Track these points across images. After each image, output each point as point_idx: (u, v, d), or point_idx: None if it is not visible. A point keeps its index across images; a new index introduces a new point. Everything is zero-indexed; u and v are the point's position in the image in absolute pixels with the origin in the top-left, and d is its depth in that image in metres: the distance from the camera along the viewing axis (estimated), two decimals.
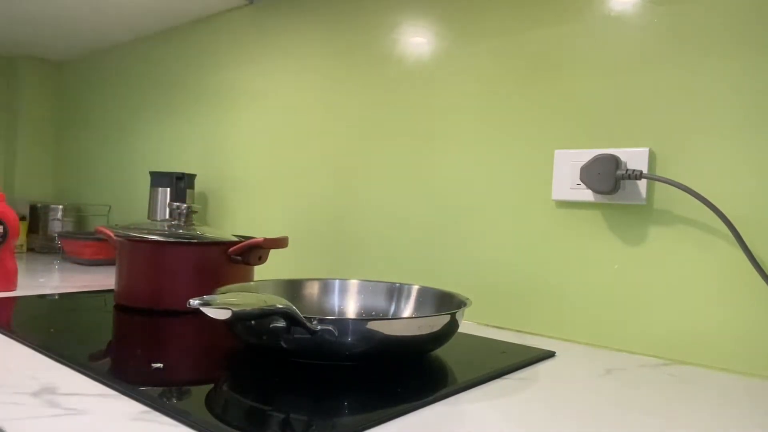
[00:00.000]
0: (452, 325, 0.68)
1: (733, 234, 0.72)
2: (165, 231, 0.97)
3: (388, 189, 1.09)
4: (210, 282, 0.92)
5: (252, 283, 0.88)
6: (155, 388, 0.56)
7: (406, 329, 0.64)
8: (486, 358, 0.73)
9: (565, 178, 0.86)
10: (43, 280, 1.19)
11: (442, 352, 0.73)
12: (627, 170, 0.79)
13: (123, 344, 0.74)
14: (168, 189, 1.41)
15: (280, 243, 0.97)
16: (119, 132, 1.79)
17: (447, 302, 0.78)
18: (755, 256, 0.71)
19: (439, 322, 0.66)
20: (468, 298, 0.74)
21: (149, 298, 0.93)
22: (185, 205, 1.01)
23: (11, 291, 1.04)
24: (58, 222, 1.71)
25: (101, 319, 0.87)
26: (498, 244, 0.94)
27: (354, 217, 1.14)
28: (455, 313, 0.67)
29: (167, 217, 1.29)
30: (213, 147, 1.46)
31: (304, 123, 1.24)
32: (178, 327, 0.84)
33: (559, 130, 0.88)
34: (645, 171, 0.79)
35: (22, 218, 1.71)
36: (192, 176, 1.44)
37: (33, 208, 1.75)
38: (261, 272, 1.05)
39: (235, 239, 0.98)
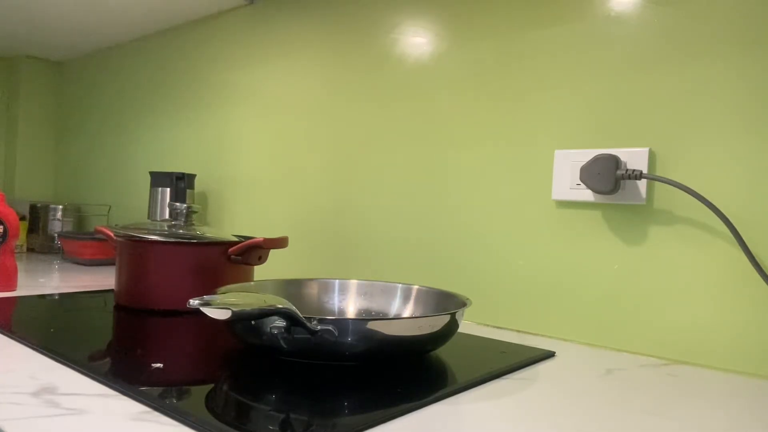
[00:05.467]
0: (452, 325, 0.68)
1: (733, 234, 0.72)
2: (165, 231, 0.97)
3: (388, 189, 1.09)
4: (210, 282, 0.92)
5: (252, 283, 0.88)
6: (155, 388, 0.56)
7: (406, 329, 0.64)
8: (486, 358, 0.73)
9: (565, 178, 0.86)
10: (43, 280, 1.19)
11: (442, 352, 0.73)
12: (627, 170, 0.79)
13: (123, 344, 0.74)
14: (168, 189, 1.41)
15: (280, 243, 0.97)
16: (119, 132, 1.79)
17: (447, 302, 0.78)
18: (755, 256, 0.71)
19: (439, 322, 0.66)
20: (468, 298, 0.74)
21: (149, 298, 0.93)
22: (185, 205, 1.01)
23: (11, 291, 1.04)
24: (58, 222, 1.71)
25: (101, 319, 0.87)
26: (498, 244, 0.94)
27: (354, 217, 1.14)
28: (455, 313, 0.67)
29: (167, 217, 1.29)
30: (213, 147, 1.46)
31: (304, 123, 1.24)
32: (178, 327, 0.84)
33: (559, 130, 0.88)
34: (645, 171, 0.79)
35: (22, 218, 1.71)
36: (192, 176, 1.44)
37: (33, 208, 1.75)
38: (261, 272, 1.05)
39: (235, 239, 0.98)
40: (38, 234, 1.72)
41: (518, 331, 0.91)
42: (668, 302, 0.78)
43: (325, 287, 0.87)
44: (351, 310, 0.85)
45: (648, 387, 0.65)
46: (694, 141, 0.76)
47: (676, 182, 0.76)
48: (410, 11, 1.07)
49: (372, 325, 0.62)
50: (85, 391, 0.55)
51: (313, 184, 1.22)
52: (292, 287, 0.86)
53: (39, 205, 1.75)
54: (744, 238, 0.72)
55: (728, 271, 0.74)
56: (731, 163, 0.74)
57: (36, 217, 1.73)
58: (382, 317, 0.82)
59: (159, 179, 1.43)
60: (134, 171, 1.72)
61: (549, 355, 0.76)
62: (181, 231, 0.97)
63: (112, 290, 1.06)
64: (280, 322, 0.60)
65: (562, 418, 0.54)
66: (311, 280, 0.88)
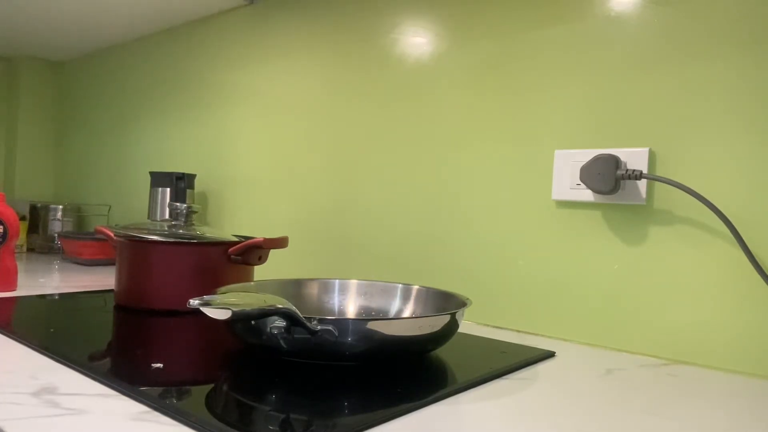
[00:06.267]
0: (452, 325, 0.68)
1: (733, 234, 0.72)
2: (165, 231, 0.97)
3: (388, 189, 1.09)
4: (210, 282, 0.92)
5: (252, 283, 0.88)
6: (155, 388, 0.56)
7: (406, 329, 0.64)
8: (486, 358, 0.73)
9: (565, 178, 0.86)
10: (43, 280, 1.19)
11: (442, 352, 0.73)
12: (627, 170, 0.79)
13: (123, 344, 0.74)
14: (168, 189, 1.41)
15: (280, 243, 0.97)
16: (119, 132, 1.79)
17: (447, 302, 0.78)
18: (755, 256, 0.71)
19: (439, 322, 0.66)
20: (468, 298, 0.74)
21: (149, 298, 0.93)
22: (185, 205, 1.01)
23: (11, 291, 1.04)
24: (58, 222, 1.71)
25: (101, 319, 0.87)
26: (498, 244, 0.94)
27: (354, 217, 1.14)
28: (455, 313, 0.67)
29: (167, 217, 1.29)
30: (213, 147, 1.46)
31: (304, 123, 1.24)
32: (178, 327, 0.84)
33: (560, 130, 0.88)
34: (645, 171, 0.79)
35: (22, 218, 1.71)
36: (192, 176, 1.44)
37: (33, 208, 1.75)
38: (261, 272, 1.05)
39: (235, 239, 0.98)
40: (38, 234, 1.72)
41: (518, 331, 0.91)
42: (668, 302, 0.78)
43: (325, 287, 0.87)
44: (351, 310, 0.85)
45: (648, 387, 0.65)
46: (694, 141, 0.76)
47: (676, 182, 0.76)
48: (410, 11, 1.07)
49: (372, 325, 0.62)
50: (85, 391, 0.55)
51: (313, 184, 1.22)
52: (292, 287, 0.86)
53: (39, 205, 1.75)
54: (744, 238, 0.72)
55: (728, 271, 0.74)
56: (731, 163, 0.74)
57: (36, 217, 1.73)
58: (382, 317, 0.82)
59: (159, 179, 1.43)
60: (134, 171, 1.72)
61: (549, 355, 0.76)
62: (181, 231, 0.97)
63: (112, 290, 1.06)
64: (280, 322, 0.60)
65: (562, 418, 0.54)
66: (311, 280, 0.88)
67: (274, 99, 1.31)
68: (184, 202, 1.32)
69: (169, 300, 0.92)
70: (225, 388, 0.58)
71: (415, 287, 0.84)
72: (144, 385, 0.56)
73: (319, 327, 0.60)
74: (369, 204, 1.12)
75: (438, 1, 1.03)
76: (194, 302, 0.55)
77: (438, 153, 1.02)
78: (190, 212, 1.01)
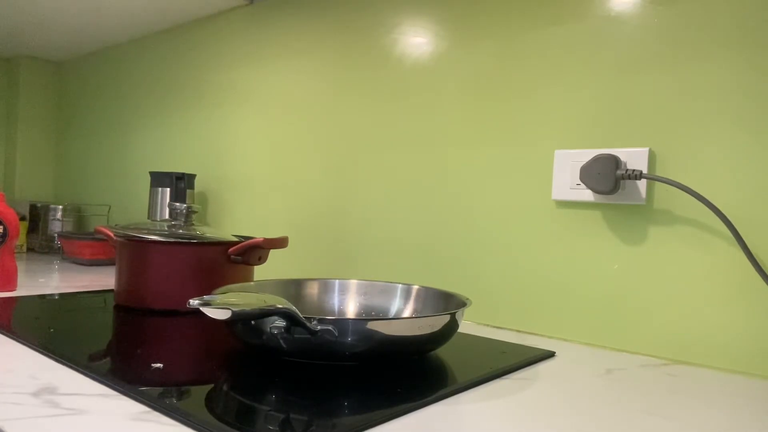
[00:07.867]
0: (452, 325, 0.68)
1: (733, 234, 0.72)
2: (165, 231, 0.97)
3: (388, 189, 1.09)
4: (210, 282, 0.92)
5: (252, 283, 0.88)
6: (155, 388, 0.56)
7: (406, 329, 0.64)
8: (486, 358, 0.73)
9: (565, 178, 0.86)
10: (43, 280, 1.19)
11: (442, 352, 0.73)
12: (627, 170, 0.79)
13: (123, 344, 0.74)
14: (168, 189, 1.41)
15: (280, 243, 0.97)
16: (119, 132, 1.79)
17: (447, 302, 0.78)
18: (755, 256, 0.71)
19: (439, 322, 0.66)
20: (468, 298, 0.74)
21: (149, 298, 0.93)
22: (185, 205, 1.01)
23: (11, 291, 1.04)
24: (58, 222, 1.71)
25: (101, 319, 0.87)
26: (498, 244, 0.94)
27: (354, 217, 1.14)
28: (455, 313, 0.67)
29: (167, 217, 1.29)
30: (213, 147, 1.46)
31: (304, 123, 1.24)
32: (178, 327, 0.84)
33: (559, 130, 0.88)
34: (645, 171, 0.79)
35: (22, 218, 1.71)
36: (192, 176, 1.44)
37: (33, 208, 1.75)
38: (261, 272, 1.05)
39: (235, 239, 0.98)
40: (38, 234, 1.72)
41: (518, 331, 0.91)
42: (668, 302, 0.78)
43: (325, 287, 0.87)
44: (351, 310, 0.85)
45: (648, 387, 0.65)
46: (694, 141, 0.77)
47: (676, 182, 0.76)
48: (410, 11, 1.07)
49: (372, 325, 0.62)
50: (85, 391, 0.55)
51: (313, 184, 1.22)
52: (292, 287, 0.86)
53: (39, 205, 1.75)
54: (744, 238, 0.72)
55: (728, 271, 0.74)
56: (731, 163, 0.74)
57: (36, 217, 1.73)
58: (382, 317, 0.82)
59: (159, 179, 1.43)
60: (134, 171, 1.72)
61: (549, 355, 0.76)
62: (181, 231, 0.97)
63: (112, 290, 1.06)
64: (280, 322, 0.60)
65: (562, 418, 0.54)
66: (311, 280, 0.88)
67: (274, 99, 1.31)
68: (184, 202, 1.32)
69: (169, 300, 0.92)
70: (225, 388, 0.58)
71: (415, 287, 0.84)
72: (144, 385, 0.56)
73: (319, 327, 0.60)
74: (369, 204, 1.12)
75: (438, 1, 1.03)
76: (194, 302, 0.55)
77: (438, 153, 1.02)
78: (190, 212, 1.01)
